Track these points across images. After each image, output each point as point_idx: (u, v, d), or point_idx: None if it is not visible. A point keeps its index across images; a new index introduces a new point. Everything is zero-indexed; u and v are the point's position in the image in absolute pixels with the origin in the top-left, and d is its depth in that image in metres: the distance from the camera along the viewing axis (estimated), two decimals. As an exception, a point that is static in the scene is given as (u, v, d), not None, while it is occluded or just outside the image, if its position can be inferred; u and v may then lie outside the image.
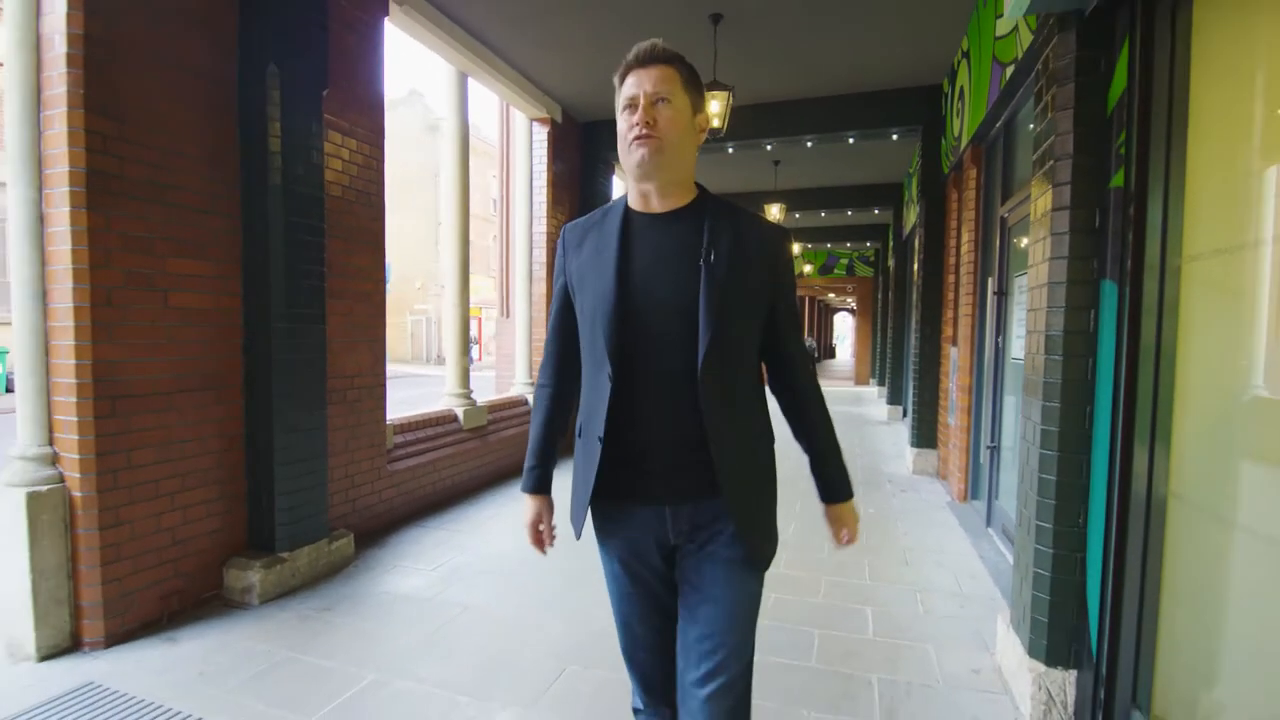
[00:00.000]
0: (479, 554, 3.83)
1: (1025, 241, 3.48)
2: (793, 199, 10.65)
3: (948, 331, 5.90)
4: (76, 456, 2.58)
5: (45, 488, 2.55)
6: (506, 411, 6.11)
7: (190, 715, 2.22)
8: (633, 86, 1.26)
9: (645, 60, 1.26)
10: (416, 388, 16.51)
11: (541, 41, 5.16)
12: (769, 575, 1.40)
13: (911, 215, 8.25)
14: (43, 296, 2.60)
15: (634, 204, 1.35)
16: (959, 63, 5.10)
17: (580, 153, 7.06)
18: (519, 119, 6.48)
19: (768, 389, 1.48)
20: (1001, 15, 2.88)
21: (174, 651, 2.65)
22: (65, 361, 2.57)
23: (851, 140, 6.62)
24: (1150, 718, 1.90)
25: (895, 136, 6.56)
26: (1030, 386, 2.42)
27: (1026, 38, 3.12)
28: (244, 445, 3.24)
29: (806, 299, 26.24)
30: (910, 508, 5.02)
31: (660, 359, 1.26)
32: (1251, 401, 1.64)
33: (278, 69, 3.14)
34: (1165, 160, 1.88)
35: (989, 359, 4.63)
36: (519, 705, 2.30)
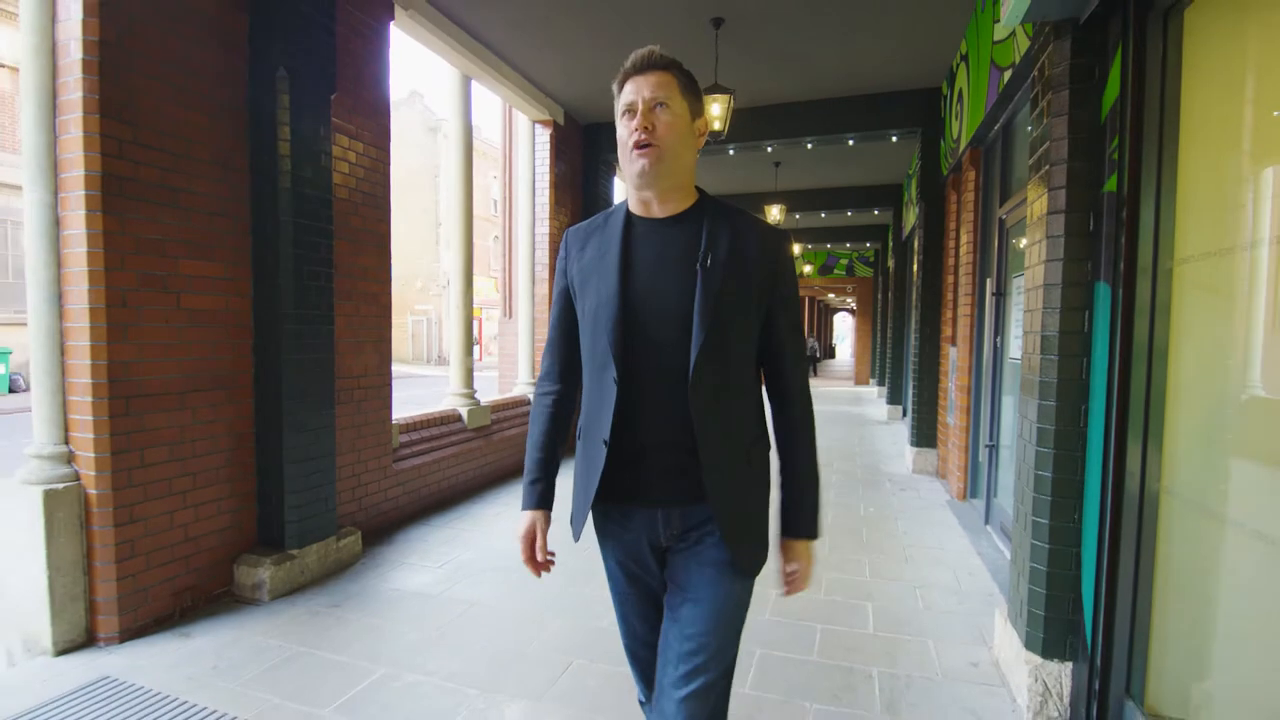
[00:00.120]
0: (484, 551, 3.88)
1: (1023, 243, 3.53)
2: (793, 200, 10.71)
3: (947, 331, 5.96)
4: (92, 455, 2.63)
5: (61, 485, 2.60)
6: (509, 411, 6.16)
7: (206, 708, 2.27)
8: (631, 93, 1.27)
9: (643, 67, 1.27)
10: (418, 388, 16.55)
11: (544, 44, 5.22)
12: (770, 573, 1.40)
13: (911, 216, 8.30)
14: (58, 299, 2.65)
15: (635, 209, 1.36)
16: (958, 66, 5.16)
17: (582, 154, 7.12)
18: (521, 121, 6.54)
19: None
20: (999, 21, 2.94)
21: (187, 646, 2.70)
22: (81, 362, 2.62)
23: (851, 142, 6.68)
24: (1144, 708, 1.95)
25: (895, 138, 6.61)
26: (1027, 386, 2.47)
27: (1024, 43, 3.17)
28: (254, 444, 3.29)
29: (807, 299, 26.29)
30: (910, 506, 5.08)
31: (659, 362, 1.27)
32: (1241, 399, 1.69)
33: (287, 73, 3.20)
34: (1157, 165, 1.94)
35: (987, 359, 4.68)
36: (527, 698, 2.36)
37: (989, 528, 4.40)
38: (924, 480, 5.98)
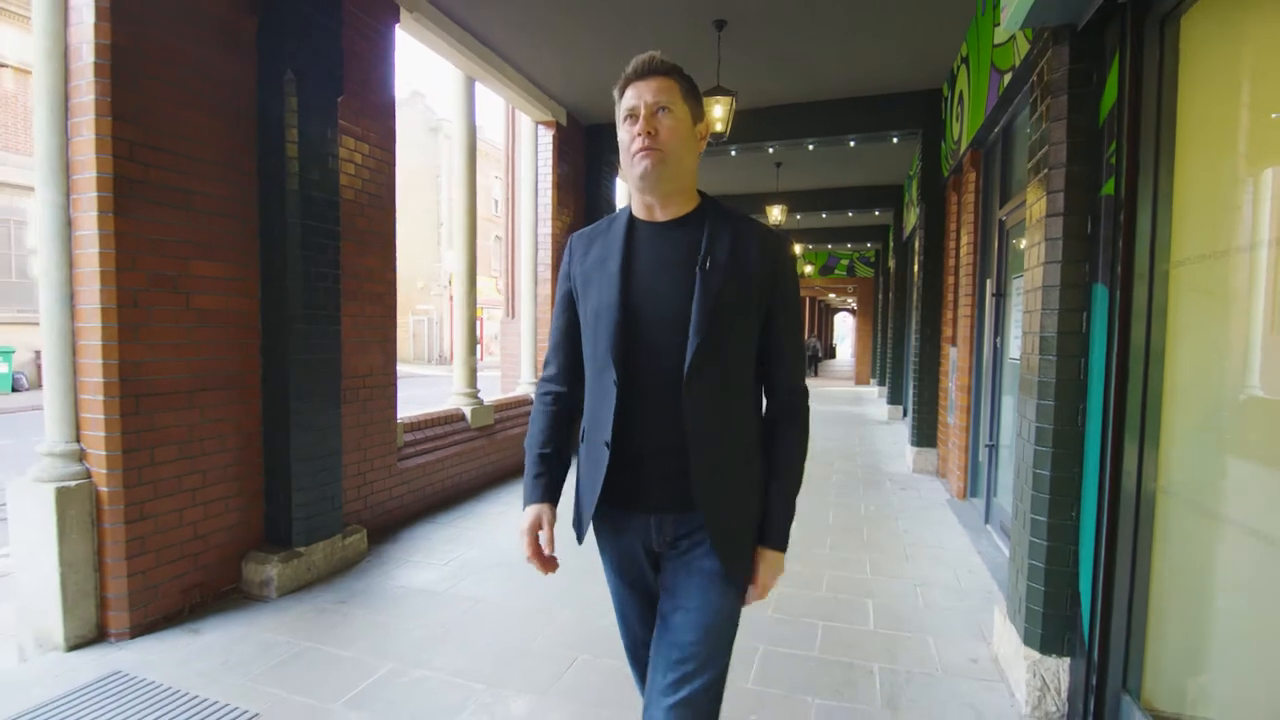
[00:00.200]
0: (488, 549, 3.91)
1: (1023, 244, 3.57)
2: (794, 200, 10.75)
3: (947, 332, 5.99)
4: (103, 453, 2.67)
5: (73, 483, 2.64)
6: (512, 410, 6.20)
7: (218, 702, 2.31)
8: (633, 98, 1.27)
9: (644, 72, 1.27)
10: (419, 388, 16.59)
11: (547, 46, 5.25)
12: None
13: (912, 217, 8.33)
14: (70, 299, 2.69)
15: (638, 213, 1.37)
16: (958, 68, 5.19)
17: (584, 155, 7.15)
18: (525, 122, 6.57)
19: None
20: (999, 25, 2.97)
21: (197, 642, 2.74)
22: (92, 361, 2.66)
23: (852, 143, 6.71)
24: (1140, 702, 1.98)
25: (895, 140, 6.64)
26: (1026, 386, 2.51)
27: (1023, 46, 3.20)
28: (261, 443, 3.33)
29: (807, 299, 26.33)
30: (910, 505, 5.11)
31: (658, 365, 1.27)
32: (1238, 399, 1.73)
33: (295, 76, 3.23)
34: (1154, 169, 1.97)
35: (987, 359, 4.71)
36: (533, 693, 2.39)
37: (989, 526, 4.43)
38: (924, 480, 6.02)
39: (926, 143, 6.28)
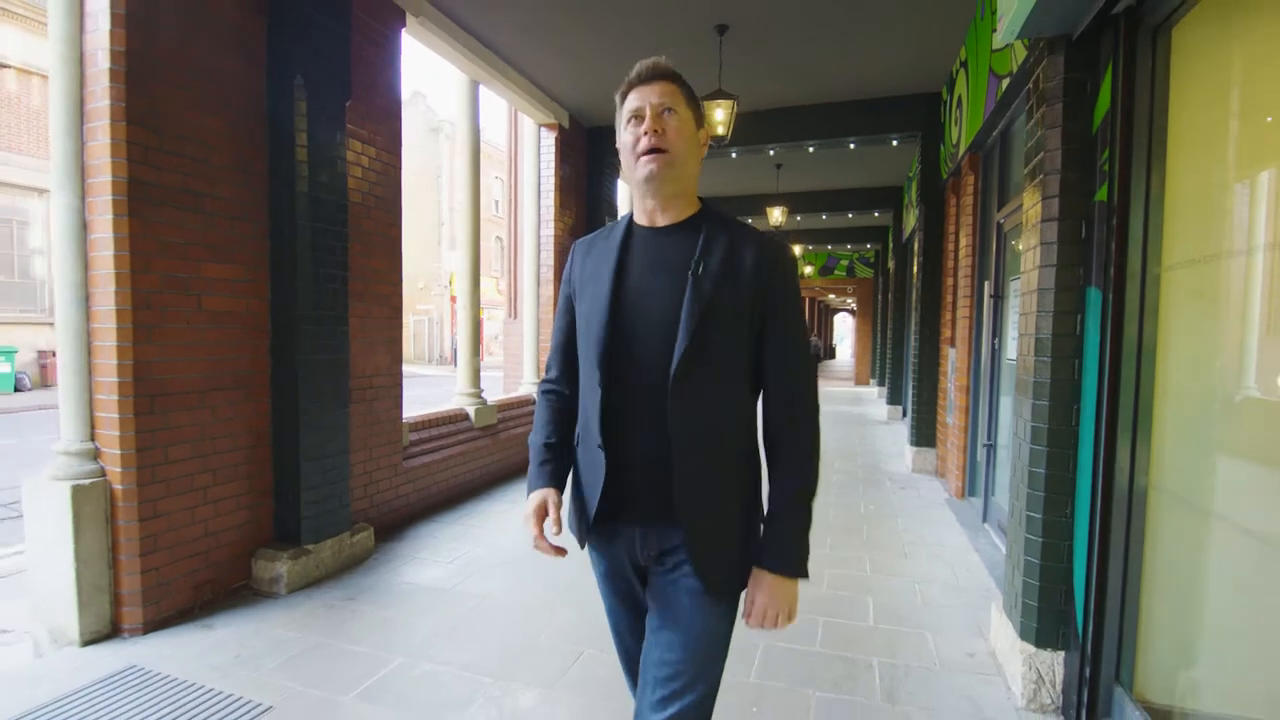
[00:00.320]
0: (493, 546, 3.97)
1: (1021, 246, 3.62)
2: (794, 202, 10.80)
3: (946, 333, 6.05)
4: (118, 452, 2.72)
5: (88, 481, 2.69)
6: (515, 410, 6.26)
7: (232, 695, 2.36)
8: (638, 100, 1.28)
9: (648, 77, 1.29)
10: (421, 387, 16.65)
11: (550, 50, 5.31)
12: None
13: (911, 219, 8.39)
14: (85, 300, 2.74)
15: (639, 218, 1.37)
16: (957, 72, 5.24)
17: (586, 157, 7.20)
18: (527, 124, 6.63)
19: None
20: (997, 32, 3.02)
21: (209, 637, 2.79)
22: (107, 361, 2.71)
23: (852, 145, 6.77)
24: (1132, 694, 2.04)
25: (895, 142, 6.70)
26: (1022, 386, 2.56)
27: (1021, 53, 3.26)
28: (271, 442, 3.38)
29: (807, 299, 26.40)
30: (909, 504, 5.17)
31: (645, 371, 1.25)
32: (1231, 399, 1.78)
33: (304, 80, 3.29)
34: (1146, 176, 2.03)
35: (985, 360, 4.77)
36: (540, 686, 2.44)
37: (986, 525, 4.48)
38: (923, 479, 6.07)
39: (926, 145, 6.34)
